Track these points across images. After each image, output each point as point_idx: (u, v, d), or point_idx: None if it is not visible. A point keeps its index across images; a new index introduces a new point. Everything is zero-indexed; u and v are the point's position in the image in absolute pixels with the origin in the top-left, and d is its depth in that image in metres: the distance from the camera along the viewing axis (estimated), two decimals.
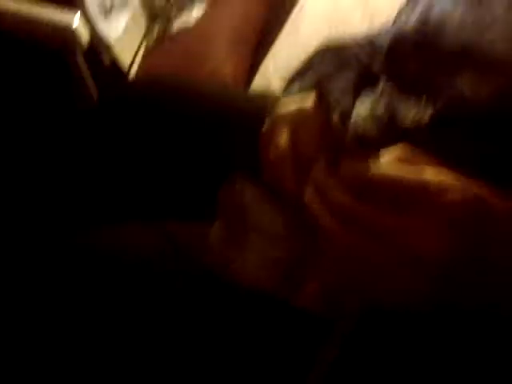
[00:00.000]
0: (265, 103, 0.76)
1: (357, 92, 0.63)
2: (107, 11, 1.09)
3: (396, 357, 0.51)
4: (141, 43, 1.22)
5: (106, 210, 0.78)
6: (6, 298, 0.67)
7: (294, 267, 0.55)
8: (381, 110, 0.56)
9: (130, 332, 0.62)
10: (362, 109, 0.59)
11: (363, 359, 0.53)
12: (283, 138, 0.57)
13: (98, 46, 1.06)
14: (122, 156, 0.79)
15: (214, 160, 0.77)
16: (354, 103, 0.61)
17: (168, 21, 1.23)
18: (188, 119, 0.80)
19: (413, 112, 0.51)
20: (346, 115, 0.59)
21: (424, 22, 0.56)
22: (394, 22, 0.67)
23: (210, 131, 0.78)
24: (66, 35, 0.93)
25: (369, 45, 0.67)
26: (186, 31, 1.22)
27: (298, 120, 0.58)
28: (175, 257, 0.66)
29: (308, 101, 0.60)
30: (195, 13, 1.24)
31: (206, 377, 0.59)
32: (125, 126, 0.81)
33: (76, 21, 0.93)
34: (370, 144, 0.52)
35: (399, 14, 0.66)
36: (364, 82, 0.64)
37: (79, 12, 0.98)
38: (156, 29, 1.24)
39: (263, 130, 0.60)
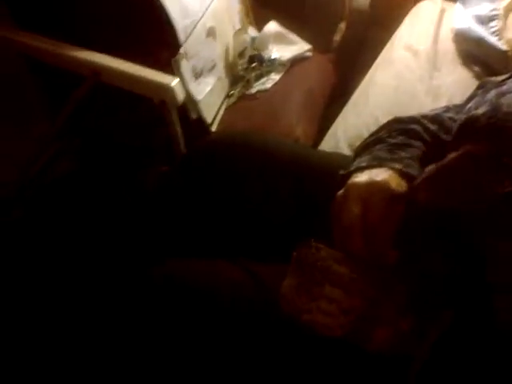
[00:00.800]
0: (336, 161, 0.83)
1: (422, 164, 0.68)
2: (197, 75, 1.23)
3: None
4: (223, 102, 1.36)
5: (194, 245, 0.83)
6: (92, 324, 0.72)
7: (366, 315, 0.59)
8: None
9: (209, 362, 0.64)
10: None
11: None
12: (355, 205, 0.62)
13: (187, 103, 1.20)
14: (205, 201, 0.85)
15: (288, 209, 0.81)
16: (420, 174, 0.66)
17: (248, 84, 1.37)
18: (265, 170, 0.84)
19: None
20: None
21: (495, 108, 0.60)
22: (461, 107, 0.73)
23: (285, 183, 0.83)
24: (167, 92, 1.08)
25: (436, 123, 0.73)
26: (263, 93, 1.35)
27: (369, 191, 0.63)
28: (260, 294, 0.69)
29: (379, 174, 0.64)
30: (273, 78, 1.38)
31: None
32: (206, 174, 0.86)
33: (174, 81, 1.07)
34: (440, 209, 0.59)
35: (469, 99, 0.73)
36: (428, 156, 0.69)
37: (177, 75, 1.13)
38: (237, 90, 1.37)
39: (338, 193, 0.65)
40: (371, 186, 0.63)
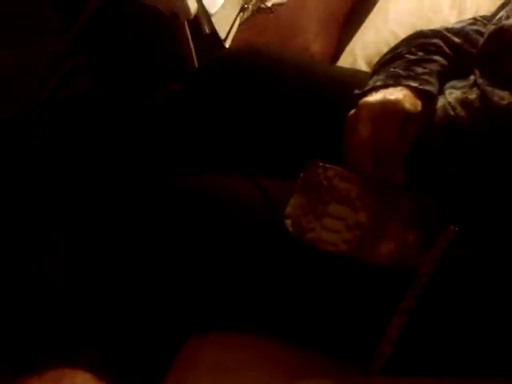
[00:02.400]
0: (353, 78, 0.81)
1: (442, 79, 0.67)
2: None
3: (468, 305, 0.58)
4: (237, 16, 1.31)
5: (205, 160, 0.83)
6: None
7: (372, 229, 0.59)
8: (473, 96, 0.60)
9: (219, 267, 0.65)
10: (453, 95, 0.64)
11: (438, 309, 0.58)
12: (366, 126, 0.61)
13: (200, 17, 1.16)
14: (217, 116, 0.83)
15: (303, 126, 0.80)
16: (440, 89, 0.66)
17: None
18: (279, 86, 0.82)
19: (506, 100, 0.56)
20: (433, 98, 0.63)
21: None
22: (491, 17, 0.70)
23: (299, 100, 0.81)
24: (178, 4, 1.04)
25: (460, 36, 0.70)
26: (279, 7, 1.29)
27: (380, 111, 0.61)
28: (269, 209, 0.68)
29: (393, 93, 0.62)
30: None
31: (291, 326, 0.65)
32: (220, 88, 0.84)
33: None
34: (460, 126, 0.58)
35: (501, 7, 0.69)
36: (450, 71, 0.68)
37: None
38: (252, 3, 1.32)
39: (349, 114, 0.64)
40: (383, 105, 0.61)
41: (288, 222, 0.62)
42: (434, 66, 0.67)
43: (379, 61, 0.72)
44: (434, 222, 0.59)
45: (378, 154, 0.60)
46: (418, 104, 0.62)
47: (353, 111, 0.63)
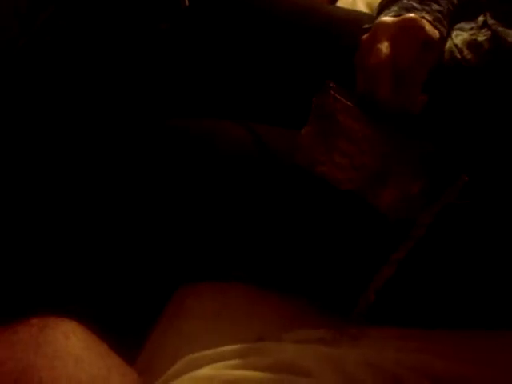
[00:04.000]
0: (357, 17, 0.77)
1: (451, 20, 0.64)
2: None
3: (461, 256, 0.57)
4: None
5: (200, 103, 0.80)
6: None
7: (377, 174, 0.58)
8: (482, 38, 0.58)
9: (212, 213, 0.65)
10: (460, 37, 0.61)
11: (429, 259, 0.58)
12: (384, 46, 0.58)
13: None
14: (214, 54, 0.80)
15: (307, 67, 0.77)
16: (448, 30, 0.63)
17: None
18: (278, 25, 0.78)
19: None
20: (443, 40, 0.61)
21: None
22: None
23: (300, 39, 0.77)
24: None
25: None
26: None
27: (400, 28, 0.58)
28: (261, 154, 0.67)
29: (409, 15, 0.59)
30: None
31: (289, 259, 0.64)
32: (215, 28, 0.80)
33: None
34: (467, 69, 0.55)
35: None
36: (458, 12, 0.65)
37: None
38: None
39: (364, 37, 0.61)
40: (403, 22, 0.58)
41: (299, 153, 0.61)
42: (445, 5, 0.63)
43: (382, 1, 0.68)
44: (441, 171, 0.57)
45: (397, 76, 0.57)
46: (436, 32, 0.59)
47: (367, 35, 0.60)
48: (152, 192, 0.67)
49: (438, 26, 0.60)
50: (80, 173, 0.72)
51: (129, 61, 0.98)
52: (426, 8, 0.61)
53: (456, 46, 0.61)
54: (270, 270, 0.66)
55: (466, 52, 0.59)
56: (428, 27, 0.58)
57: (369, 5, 1.05)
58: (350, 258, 0.61)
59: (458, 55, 0.60)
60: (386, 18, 0.60)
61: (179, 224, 0.66)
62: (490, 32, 0.58)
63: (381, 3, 0.69)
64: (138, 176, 0.68)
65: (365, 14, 0.88)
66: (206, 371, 0.50)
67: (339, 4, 1.09)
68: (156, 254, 0.66)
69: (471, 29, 0.62)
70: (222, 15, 0.80)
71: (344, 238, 0.61)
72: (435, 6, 0.62)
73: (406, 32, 0.58)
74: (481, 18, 0.62)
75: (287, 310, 0.62)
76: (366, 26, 0.63)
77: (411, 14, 0.59)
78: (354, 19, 0.74)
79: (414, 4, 0.62)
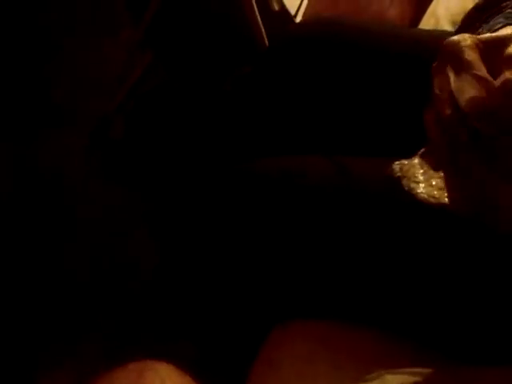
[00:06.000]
0: (442, 37, 0.74)
1: None
2: None
3: None
4: None
5: (285, 141, 0.79)
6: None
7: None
8: None
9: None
10: None
11: None
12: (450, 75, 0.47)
13: None
14: (295, 94, 0.78)
15: (400, 95, 0.73)
16: None
17: None
18: (363, 56, 0.75)
19: None
20: None
21: None
22: None
23: (389, 68, 0.74)
24: None
25: None
26: None
27: None
28: (345, 185, 0.66)
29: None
30: None
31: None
32: (297, 63, 0.79)
33: None
34: None
35: None
36: None
37: None
38: None
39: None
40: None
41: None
42: None
43: (466, 16, 0.62)
44: None
45: None
46: None
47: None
48: (242, 231, 0.66)
49: None
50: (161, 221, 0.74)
51: (212, 107, 1.01)
52: None
53: None
54: (382, 313, 0.62)
55: None
56: None
57: (453, 23, 1.01)
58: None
59: None
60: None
61: (272, 264, 0.64)
62: None
63: (462, 22, 0.63)
64: (226, 220, 0.68)
65: (450, 32, 0.84)
66: None
67: (422, 26, 1.07)
68: (249, 294, 0.65)
69: None
70: (304, 53, 0.79)
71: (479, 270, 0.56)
72: None
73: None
74: None
75: (388, 349, 0.58)
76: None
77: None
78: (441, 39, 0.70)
79: None
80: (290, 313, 0.63)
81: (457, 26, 0.67)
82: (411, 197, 0.57)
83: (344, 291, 0.63)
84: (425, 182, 0.58)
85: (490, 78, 0.43)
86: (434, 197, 0.56)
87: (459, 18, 0.93)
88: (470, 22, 0.62)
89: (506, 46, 0.44)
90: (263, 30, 1.10)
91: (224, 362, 0.63)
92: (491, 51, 0.45)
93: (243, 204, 0.67)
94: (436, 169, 0.52)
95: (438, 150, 0.47)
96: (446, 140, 0.45)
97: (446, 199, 0.54)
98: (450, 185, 0.51)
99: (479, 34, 0.49)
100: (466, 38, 0.46)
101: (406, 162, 0.60)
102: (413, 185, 0.58)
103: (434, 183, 0.57)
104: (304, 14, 1.23)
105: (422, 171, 0.58)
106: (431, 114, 0.46)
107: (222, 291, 0.66)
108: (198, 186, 0.89)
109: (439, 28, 1.02)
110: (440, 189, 0.56)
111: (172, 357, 0.54)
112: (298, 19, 1.22)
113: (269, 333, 0.62)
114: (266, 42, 1.11)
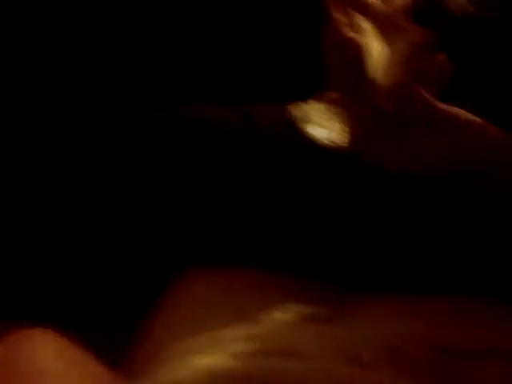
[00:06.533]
0: None
1: None
2: None
3: None
4: None
5: (189, 89, 0.79)
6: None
7: None
8: None
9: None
10: None
11: None
12: None
13: None
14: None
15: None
16: None
17: None
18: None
19: None
20: None
21: None
22: None
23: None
24: None
25: None
26: None
27: None
28: (249, 132, 0.68)
29: None
30: None
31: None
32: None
33: None
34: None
35: None
36: None
37: None
38: None
39: None
40: None
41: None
42: None
43: None
44: None
45: None
46: None
47: None
48: (149, 178, 0.67)
49: None
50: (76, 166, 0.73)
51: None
52: None
53: None
54: (271, 249, 0.64)
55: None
56: None
57: None
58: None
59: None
60: None
61: (176, 210, 0.66)
62: None
63: None
64: (133, 166, 0.69)
65: None
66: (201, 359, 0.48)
67: None
68: (153, 241, 0.66)
69: None
70: None
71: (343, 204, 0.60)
72: None
73: None
74: None
75: (287, 291, 0.59)
76: None
77: None
78: None
79: None
80: (191, 260, 0.64)
81: None
82: (308, 139, 0.59)
83: (246, 235, 0.64)
84: (321, 123, 0.59)
85: None
86: (328, 138, 0.58)
87: None
88: None
89: None
90: None
91: (123, 309, 0.63)
92: None
93: (164, 142, 0.69)
94: (332, 109, 0.54)
95: (337, 82, 0.51)
96: (344, 65, 0.49)
97: (340, 140, 0.56)
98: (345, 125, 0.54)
99: None
100: None
101: (303, 105, 0.61)
102: (309, 127, 0.59)
103: (329, 125, 0.58)
104: None
105: (318, 114, 0.59)
106: (329, 38, 0.48)
107: (122, 236, 0.66)
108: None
109: None
110: (334, 130, 0.57)
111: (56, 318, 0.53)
112: None
113: (170, 281, 0.62)
114: None
